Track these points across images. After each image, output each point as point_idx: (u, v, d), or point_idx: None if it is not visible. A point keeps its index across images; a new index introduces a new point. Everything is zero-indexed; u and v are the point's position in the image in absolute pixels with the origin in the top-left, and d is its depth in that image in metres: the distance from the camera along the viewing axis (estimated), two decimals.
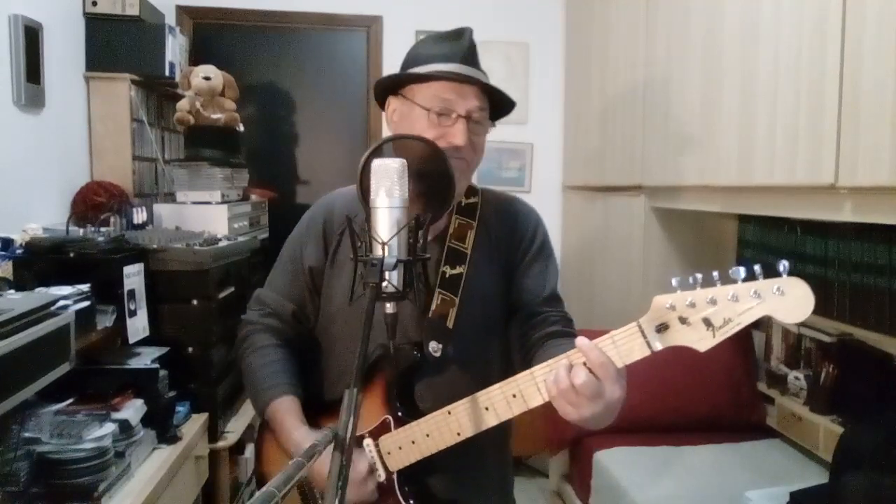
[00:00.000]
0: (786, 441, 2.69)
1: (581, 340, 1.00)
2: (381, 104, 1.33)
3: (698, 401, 2.76)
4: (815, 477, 2.30)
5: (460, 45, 1.25)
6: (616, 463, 2.59)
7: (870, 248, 2.29)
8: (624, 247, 3.22)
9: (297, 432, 1.21)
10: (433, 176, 1.11)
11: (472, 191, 1.36)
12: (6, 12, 2.21)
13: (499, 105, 1.29)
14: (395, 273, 0.98)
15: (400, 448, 1.17)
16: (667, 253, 3.09)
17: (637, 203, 3.12)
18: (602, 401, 0.98)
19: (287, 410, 1.26)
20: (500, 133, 4.11)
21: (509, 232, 1.35)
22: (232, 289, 2.31)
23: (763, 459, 2.57)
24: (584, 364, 0.99)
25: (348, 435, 0.83)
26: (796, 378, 2.61)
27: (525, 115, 3.79)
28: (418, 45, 1.31)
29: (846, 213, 1.76)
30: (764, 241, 2.91)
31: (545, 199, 3.82)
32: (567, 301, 1.36)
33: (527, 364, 1.25)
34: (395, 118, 1.29)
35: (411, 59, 1.28)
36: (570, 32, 3.80)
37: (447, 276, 1.28)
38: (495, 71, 3.81)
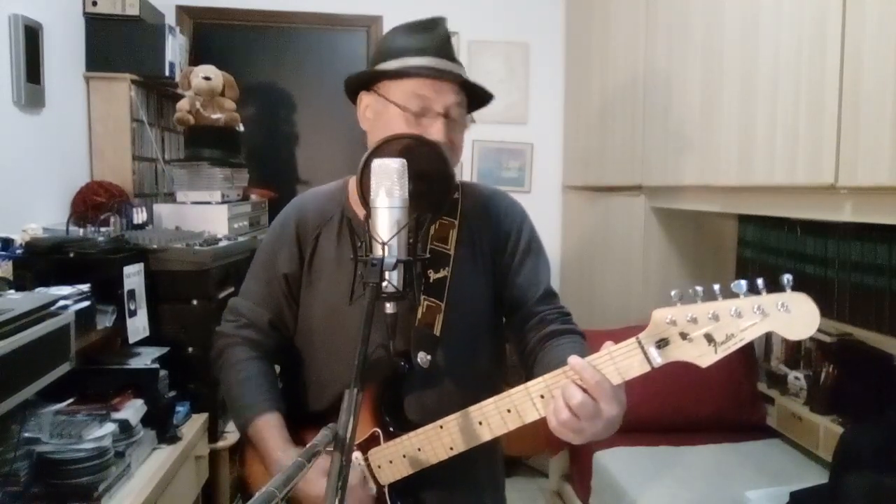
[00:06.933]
0: (786, 441, 2.69)
1: (574, 360, 0.98)
2: (353, 99, 1.27)
3: (698, 401, 2.76)
4: (815, 477, 2.30)
5: (434, 36, 1.19)
6: (616, 463, 2.59)
7: (870, 248, 2.29)
8: (624, 247, 3.22)
9: (284, 455, 1.14)
10: (432, 176, 1.09)
11: None
12: (6, 12, 2.21)
13: (474, 97, 1.24)
14: (394, 273, 0.97)
15: (390, 462, 1.14)
16: (667, 253, 3.09)
17: (637, 203, 3.12)
18: (600, 420, 0.97)
19: (271, 428, 1.20)
20: (500, 133, 4.11)
21: (494, 230, 1.28)
22: (232, 289, 2.30)
23: (763, 459, 2.56)
24: (579, 383, 0.96)
25: (348, 435, 0.83)
26: (796, 378, 2.61)
27: (525, 115, 3.76)
28: (389, 37, 1.24)
29: (846, 213, 1.76)
30: (764, 241, 2.91)
31: (545, 199, 3.83)
32: (567, 301, 1.34)
33: (529, 369, 1.24)
34: (369, 115, 1.23)
35: (383, 52, 1.21)
36: (570, 32, 3.79)
37: (431, 280, 1.22)
38: (495, 71, 3.85)
